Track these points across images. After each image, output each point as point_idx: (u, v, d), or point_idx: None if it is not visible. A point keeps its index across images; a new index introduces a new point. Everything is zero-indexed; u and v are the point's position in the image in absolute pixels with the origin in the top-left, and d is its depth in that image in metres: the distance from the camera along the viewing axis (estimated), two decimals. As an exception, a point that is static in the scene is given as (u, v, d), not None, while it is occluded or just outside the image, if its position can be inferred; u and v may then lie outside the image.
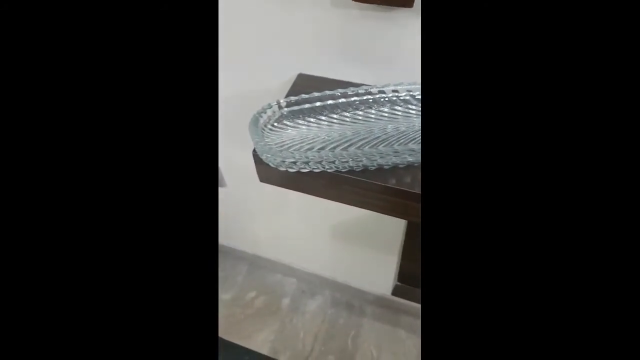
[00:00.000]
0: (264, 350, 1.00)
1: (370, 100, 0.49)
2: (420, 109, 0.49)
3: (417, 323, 1.04)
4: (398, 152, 0.42)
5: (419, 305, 0.96)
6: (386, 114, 0.49)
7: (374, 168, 0.43)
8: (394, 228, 0.77)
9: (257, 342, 1.02)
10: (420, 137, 0.46)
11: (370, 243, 0.87)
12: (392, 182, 0.42)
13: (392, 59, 0.48)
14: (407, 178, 0.43)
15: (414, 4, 0.42)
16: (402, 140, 0.45)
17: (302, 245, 0.99)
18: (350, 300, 1.09)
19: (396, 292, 0.64)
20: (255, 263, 1.14)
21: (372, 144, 0.45)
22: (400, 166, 0.43)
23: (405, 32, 0.46)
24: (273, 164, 0.43)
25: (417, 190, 0.42)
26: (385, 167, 0.43)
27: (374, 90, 0.48)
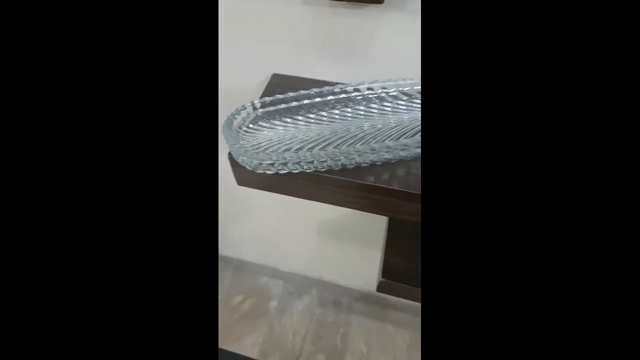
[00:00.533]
0: (254, 354, 0.99)
1: (347, 99, 0.49)
2: (395, 105, 0.49)
3: (405, 317, 1.05)
4: (375, 150, 0.42)
5: (406, 300, 0.97)
6: (362, 112, 0.49)
7: (352, 166, 0.43)
8: (377, 223, 0.77)
9: (246, 346, 1.01)
10: (396, 134, 0.46)
11: (354, 239, 0.87)
12: (370, 180, 0.42)
13: (366, 56, 0.48)
14: (385, 175, 0.43)
15: (385, 0, 0.42)
16: (379, 138, 0.45)
17: (287, 247, 0.99)
18: (337, 299, 1.09)
19: (381, 288, 0.64)
20: (240, 267, 1.13)
21: (349, 142, 0.45)
22: (378, 163, 0.43)
23: (377, 29, 0.46)
24: (250, 166, 0.42)
25: (396, 186, 0.42)
26: (363, 165, 0.43)
27: (349, 88, 0.48)
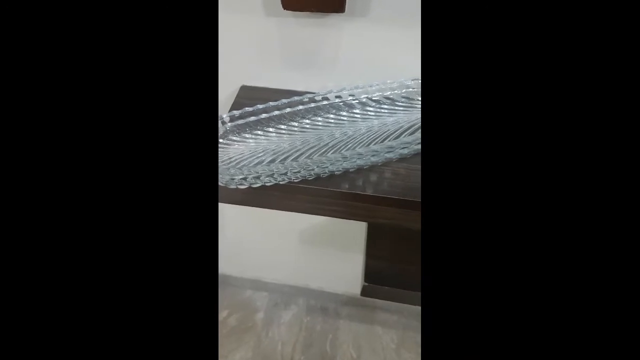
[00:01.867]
0: (243, 369, 0.97)
1: (316, 108, 0.49)
2: (364, 112, 0.50)
3: (392, 318, 1.05)
4: (347, 158, 0.42)
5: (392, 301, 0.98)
6: (332, 120, 0.49)
7: (326, 175, 0.43)
8: (357, 226, 0.78)
9: (235, 362, 0.99)
10: (366, 140, 0.46)
11: (336, 244, 0.87)
12: (344, 187, 0.43)
13: (331, 64, 0.49)
14: (359, 181, 0.43)
15: (346, 9, 0.43)
16: (350, 145, 0.46)
17: (269, 257, 0.98)
18: (324, 305, 1.08)
19: (365, 292, 0.64)
20: (223, 281, 1.11)
21: (321, 151, 0.45)
22: (351, 170, 0.43)
23: (341, 37, 0.46)
24: (222, 182, 0.41)
25: (370, 192, 0.42)
26: (336, 172, 0.43)
27: (318, 97, 0.49)
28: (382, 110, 0.50)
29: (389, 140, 0.45)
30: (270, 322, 1.05)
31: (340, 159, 0.42)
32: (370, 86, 0.49)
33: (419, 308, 1.01)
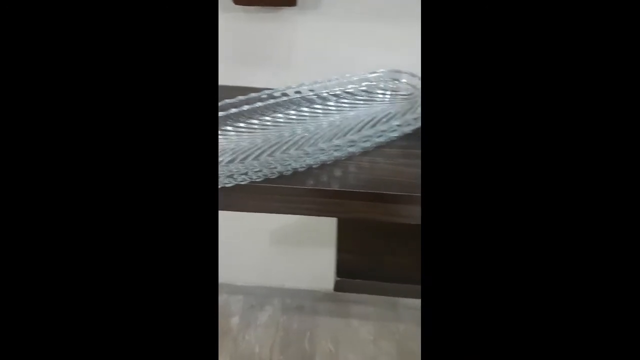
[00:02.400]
0: (221, 376, 0.95)
1: (275, 104, 0.48)
2: (325, 107, 0.49)
3: (368, 310, 1.07)
4: (309, 154, 0.42)
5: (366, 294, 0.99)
6: (294, 116, 0.48)
7: (289, 173, 0.42)
8: (328, 221, 0.78)
9: (211, 370, 0.96)
10: (328, 135, 0.46)
11: (308, 241, 0.87)
12: (309, 184, 0.42)
13: (287, 59, 0.48)
14: (323, 177, 0.43)
15: (298, 2, 0.42)
16: (312, 141, 0.45)
17: (241, 260, 0.96)
18: (301, 303, 1.08)
19: (338, 287, 0.64)
20: (195, 288, 1.08)
21: (283, 148, 0.44)
22: (315, 166, 0.43)
23: (294, 31, 0.45)
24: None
25: (335, 187, 0.42)
26: (299, 169, 0.42)
27: (276, 93, 0.47)
28: (343, 105, 0.50)
29: (351, 134, 0.45)
30: (246, 325, 1.03)
31: (303, 155, 0.41)
32: (330, 81, 0.48)
33: (394, 299, 1.03)
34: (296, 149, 0.44)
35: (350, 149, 0.44)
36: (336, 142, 0.43)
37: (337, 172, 0.43)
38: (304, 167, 0.42)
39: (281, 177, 0.42)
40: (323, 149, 0.42)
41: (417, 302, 1.03)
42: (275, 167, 0.41)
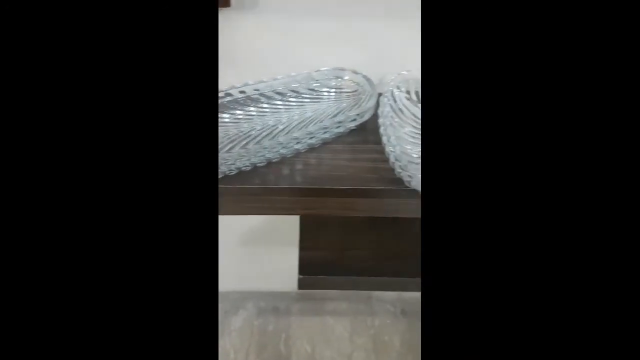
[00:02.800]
0: (195, 386, 0.93)
1: (220, 105, 0.48)
2: (271, 105, 0.49)
3: (342, 305, 1.07)
4: (252, 152, 0.42)
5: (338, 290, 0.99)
6: (241, 116, 0.48)
7: (233, 173, 0.42)
8: (292, 220, 0.78)
9: (186, 380, 0.94)
10: (274, 133, 0.46)
11: (275, 242, 0.86)
12: (256, 182, 0.42)
13: (229, 59, 0.48)
14: (270, 176, 0.43)
15: (233, 3, 0.42)
16: (257, 139, 0.45)
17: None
18: (275, 305, 1.07)
19: (301, 285, 0.64)
20: (167, 297, 1.06)
21: (227, 148, 0.44)
22: (260, 165, 0.43)
23: (232, 31, 0.45)
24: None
25: (284, 184, 0.42)
26: (244, 169, 0.42)
27: (220, 94, 0.47)
28: (291, 103, 0.50)
29: (295, 132, 0.45)
30: (221, 331, 1.02)
31: (245, 154, 0.41)
32: (275, 79, 0.49)
33: (367, 292, 1.04)
34: (241, 148, 0.44)
35: (296, 146, 0.44)
36: (281, 139, 0.44)
37: (285, 170, 0.44)
38: (248, 167, 0.42)
39: (225, 177, 0.41)
40: (266, 147, 0.42)
41: (390, 295, 1.05)
42: (232, 164, 0.41)
